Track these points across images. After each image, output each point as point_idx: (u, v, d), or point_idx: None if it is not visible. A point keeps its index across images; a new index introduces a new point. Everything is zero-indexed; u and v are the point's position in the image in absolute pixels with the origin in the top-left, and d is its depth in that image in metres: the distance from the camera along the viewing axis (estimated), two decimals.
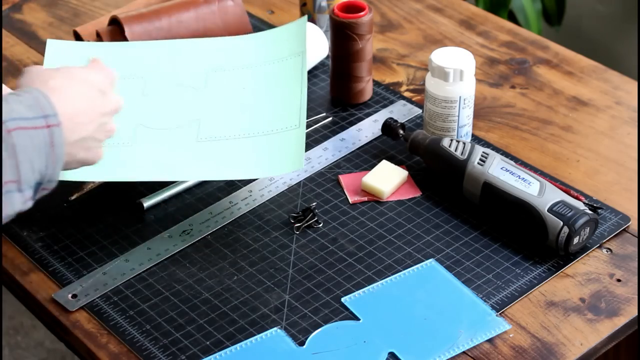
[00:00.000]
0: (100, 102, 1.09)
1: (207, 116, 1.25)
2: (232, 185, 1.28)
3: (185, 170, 1.20)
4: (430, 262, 1.17)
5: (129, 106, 1.18)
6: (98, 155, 1.10)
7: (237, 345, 1.08)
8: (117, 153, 1.19)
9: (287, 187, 1.28)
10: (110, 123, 1.11)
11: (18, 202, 0.96)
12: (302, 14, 1.51)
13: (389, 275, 1.15)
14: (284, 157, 1.19)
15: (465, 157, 1.23)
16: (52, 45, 1.31)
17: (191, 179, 1.26)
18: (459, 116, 1.29)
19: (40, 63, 1.51)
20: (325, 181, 1.29)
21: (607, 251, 1.18)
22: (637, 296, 1.13)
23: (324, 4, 1.48)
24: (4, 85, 1.18)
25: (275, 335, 1.09)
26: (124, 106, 1.14)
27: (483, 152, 1.23)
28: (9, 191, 0.95)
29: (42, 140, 0.97)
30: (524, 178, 1.19)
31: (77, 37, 1.46)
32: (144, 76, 1.29)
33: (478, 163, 1.22)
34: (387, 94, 1.43)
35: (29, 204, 0.98)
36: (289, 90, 1.26)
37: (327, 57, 1.48)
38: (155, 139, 1.22)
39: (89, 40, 1.41)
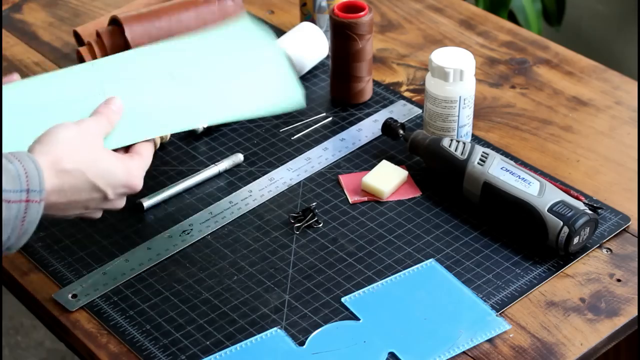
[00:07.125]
0: (96, 204, 1.05)
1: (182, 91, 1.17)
2: (232, 185, 1.28)
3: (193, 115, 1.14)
4: (430, 262, 1.17)
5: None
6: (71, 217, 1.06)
7: (237, 345, 1.08)
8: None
9: (287, 187, 1.28)
10: (96, 212, 1.07)
11: None
12: (302, 14, 1.51)
13: (389, 275, 1.15)
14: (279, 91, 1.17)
15: (465, 157, 1.23)
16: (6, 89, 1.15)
17: (208, 122, 1.19)
18: (459, 116, 1.29)
19: (40, 62, 1.51)
20: (325, 181, 1.28)
21: (607, 251, 1.18)
22: (637, 296, 1.13)
23: (324, 4, 1.48)
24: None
25: (275, 335, 1.09)
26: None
27: (483, 152, 1.23)
28: None
29: (13, 213, 0.94)
30: (524, 178, 1.19)
31: (77, 37, 1.46)
32: (104, 92, 1.15)
33: (478, 163, 1.22)
34: (387, 94, 1.43)
35: None
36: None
37: (327, 57, 1.48)
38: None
39: (89, 40, 1.41)
